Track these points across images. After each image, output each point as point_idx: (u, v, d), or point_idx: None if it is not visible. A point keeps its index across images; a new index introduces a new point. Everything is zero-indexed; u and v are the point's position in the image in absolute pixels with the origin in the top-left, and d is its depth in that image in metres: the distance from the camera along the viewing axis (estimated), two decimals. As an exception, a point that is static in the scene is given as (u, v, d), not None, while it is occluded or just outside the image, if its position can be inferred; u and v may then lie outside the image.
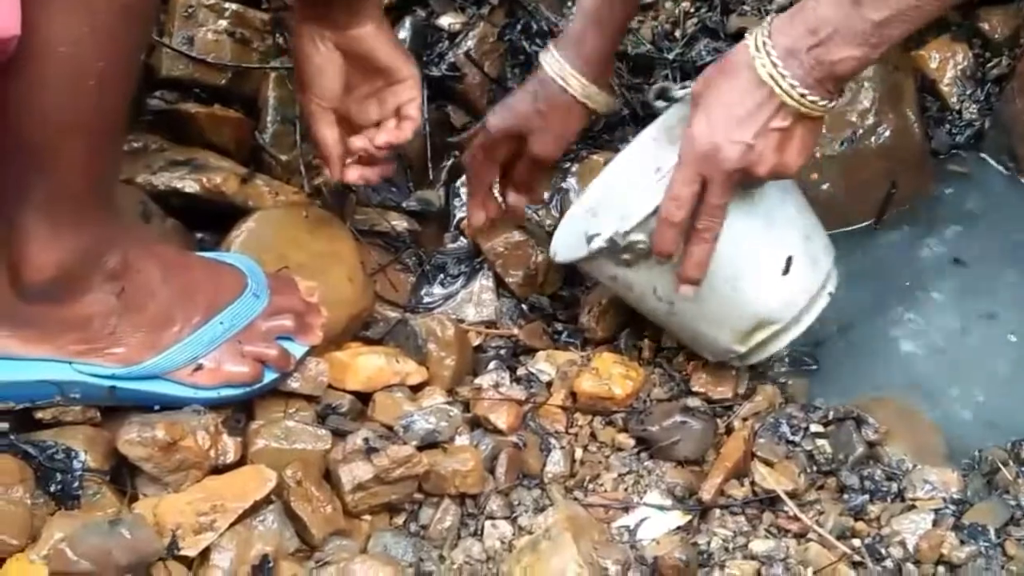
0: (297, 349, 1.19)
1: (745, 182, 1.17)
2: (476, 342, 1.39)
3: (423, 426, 1.20)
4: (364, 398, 1.25)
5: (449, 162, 1.54)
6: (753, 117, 1.14)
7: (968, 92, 1.59)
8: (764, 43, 1.12)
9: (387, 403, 1.23)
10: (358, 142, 1.29)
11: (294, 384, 1.20)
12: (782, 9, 1.61)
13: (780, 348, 1.29)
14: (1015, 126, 1.54)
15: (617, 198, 1.35)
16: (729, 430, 1.28)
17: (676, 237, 1.18)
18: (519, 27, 1.58)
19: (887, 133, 1.50)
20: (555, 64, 1.32)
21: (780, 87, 1.12)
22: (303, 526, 1.09)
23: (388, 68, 1.27)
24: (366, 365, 1.26)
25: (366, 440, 1.14)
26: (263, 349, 1.16)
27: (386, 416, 1.21)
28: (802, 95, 1.12)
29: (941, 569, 1.14)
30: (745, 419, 1.28)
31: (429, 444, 1.20)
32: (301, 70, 1.27)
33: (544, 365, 1.34)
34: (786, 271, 1.24)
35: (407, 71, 1.28)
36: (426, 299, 1.44)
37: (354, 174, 1.31)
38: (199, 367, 1.13)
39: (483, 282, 1.45)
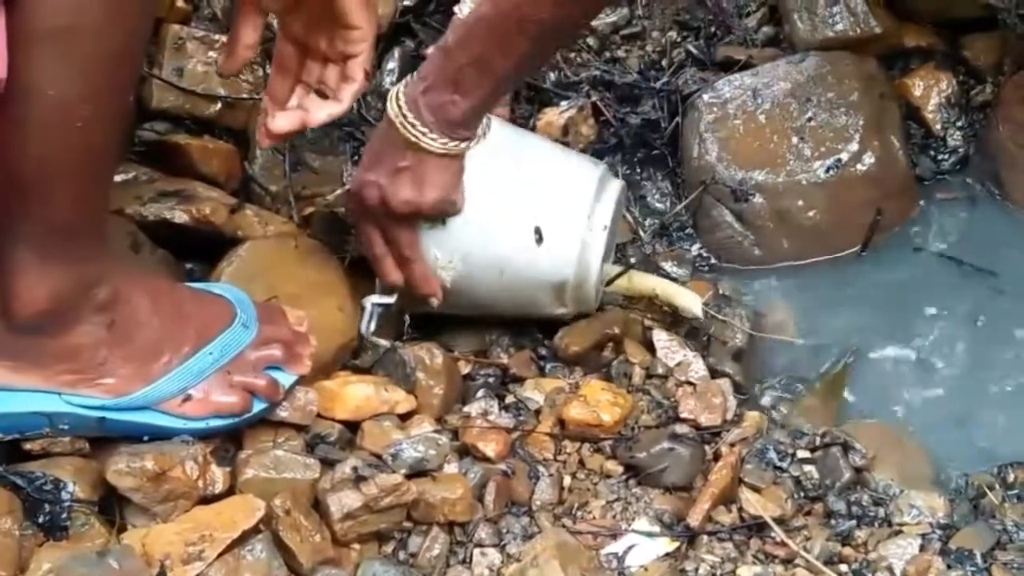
0: (286, 379, 1.20)
1: (396, 215, 1.27)
2: (465, 371, 1.39)
3: (412, 454, 1.20)
4: (353, 427, 1.25)
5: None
6: (386, 157, 1.25)
7: (952, 119, 1.60)
8: (398, 90, 1.23)
9: (376, 432, 1.23)
10: (284, 120, 1.22)
11: (283, 414, 1.20)
12: (768, 40, 1.64)
13: (598, 286, 1.36)
14: (999, 152, 1.56)
15: None
16: (717, 456, 1.28)
17: (388, 267, 1.31)
18: (507, 57, 1.59)
19: (872, 160, 1.51)
20: None
21: (404, 128, 1.22)
22: (291, 555, 1.09)
23: (337, 4, 1.15)
24: (355, 394, 1.26)
25: (355, 469, 1.15)
26: (252, 379, 1.16)
27: (375, 445, 1.22)
28: (423, 133, 1.22)
29: (928, 594, 1.15)
30: (732, 445, 1.29)
31: (418, 472, 1.20)
32: None
33: (532, 393, 1.35)
34: (540, 240, 1.31)
35: (358, 18, 1.16)
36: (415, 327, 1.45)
37: (274, 136, 1.24)
38: (188, 397, 1.13)
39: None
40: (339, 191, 1.44)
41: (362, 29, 1.17)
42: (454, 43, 1.21)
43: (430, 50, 1.29)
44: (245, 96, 1.47)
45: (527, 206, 1.32)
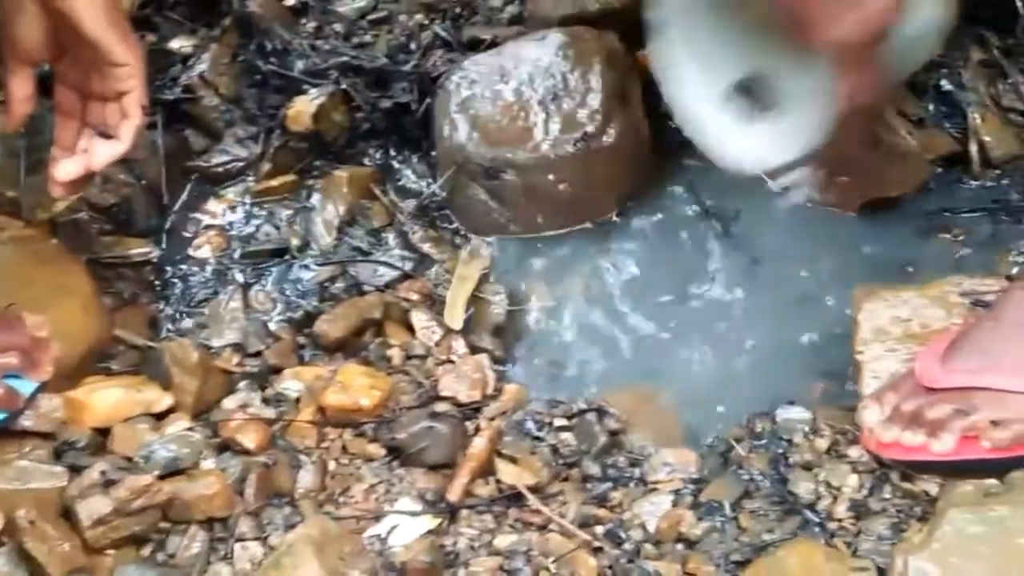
0: (26, 387, 1.17)
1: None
2: (235, 361, 1.38)
3: (164, 454, 1.19)
4: (105, 432, 1.22)
5: (188, 185, 1.53)
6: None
7: (692, 89, 1.65)
8: None
9: (127, 434, 1.21)
10: (70, 167, 1.22)
11: (27, 423, 1.18)
12: (513, 18, 1.66)
13: None
14: (737, 118, 1.60)
15: None
16: (478, 431, 1.30)
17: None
18: (254, 47, 1.58)
19: (616, 132, 1.54)
20: None
21: None
22: (38, 567, 1.07)
23: (96, 43, 1.14)
24: (104, 399, 1.24)
25: (103, 473, 1.13)
26: (-14, 390, 1.13)
27: (126, 448, 1.20)
28: None
29: (679, 546, 1.19)
30: (492, 419, 1.31)
31: (173, 472, 1.18)
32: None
33: (292, 383, 1.34)
34: None
35: (121, 55, 1.16)
36: (172, 325, 1.43)
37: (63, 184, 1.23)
38: (-82, 414, 1.10)
39: (231, 304, 1.44)
40: (78, 195, 1.41)
41: (128, 66, 1.18)
42: None
43: None
44: (-23, 100, 1.42)
45: None
